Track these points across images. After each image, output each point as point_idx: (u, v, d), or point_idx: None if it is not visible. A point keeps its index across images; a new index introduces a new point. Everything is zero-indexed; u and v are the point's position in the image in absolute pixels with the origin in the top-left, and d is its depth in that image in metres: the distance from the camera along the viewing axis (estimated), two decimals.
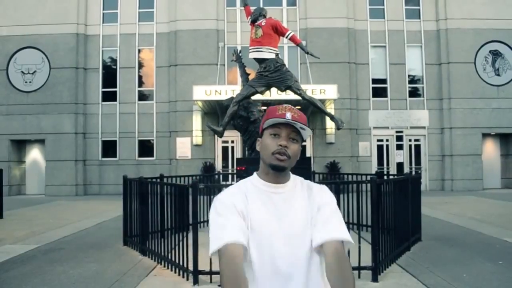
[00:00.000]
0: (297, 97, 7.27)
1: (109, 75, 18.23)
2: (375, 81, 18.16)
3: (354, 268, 5.16)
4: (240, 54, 8.26)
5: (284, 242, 1.58)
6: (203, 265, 5.06)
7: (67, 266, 5.95)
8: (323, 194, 1.69)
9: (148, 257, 6.33)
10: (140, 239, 6.76)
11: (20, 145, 18.24)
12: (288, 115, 1.60)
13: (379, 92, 18.09)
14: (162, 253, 5.90)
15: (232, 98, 7.59)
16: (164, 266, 5.83)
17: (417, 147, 18.15)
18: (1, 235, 8.20)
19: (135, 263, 6.13)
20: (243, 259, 1.48)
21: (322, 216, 1.61)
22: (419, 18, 18.22)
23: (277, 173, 1.64)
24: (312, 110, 15.44)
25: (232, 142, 17.29)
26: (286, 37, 6.86)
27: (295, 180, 1.72)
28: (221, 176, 14.22)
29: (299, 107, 16.06)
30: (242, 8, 8.88)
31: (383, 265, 5.43)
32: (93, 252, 6.84)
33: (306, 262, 1.59)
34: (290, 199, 1.64)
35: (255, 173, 1.71)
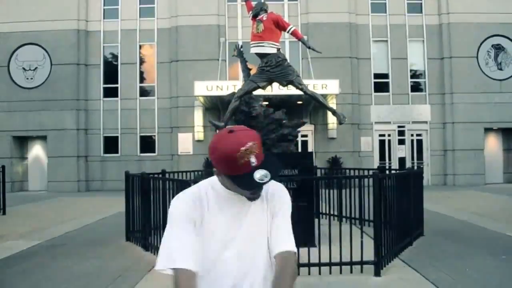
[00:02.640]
0: (299, 92, 7.24)
1: (110, 71, 18.20)
2: (377, 76, 18.10)
3: (356, 263, 5.15)
4: (242, 49, 8.23)
5: (243, 247, 1.56)
6: None
7: (69, 262, 5.96)
8: (277, 198, 1.62)
9: (151, 253, 6.34)
10: (142, 234, 6.77)
11: (22, 142, 18.26)
12: (257, 176, 1.39)
13: (381, 87, 18.03)
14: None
15: (233, 93, 7.56)
16: None
17: (419, 142, 18.12)
18: (4, 231, 8.22)
19: (137, 258, 6.14)
20: None
21: (273, 226, 1.58)
22: (421, 12, 18.14)
23: None
24: (314, 105, 15.42)
25: None
26: (288, 32, 6.83)
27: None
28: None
29: (300, 102, 16.10)
30: (243, 3, 8.84)
31: (385, 260, 5.43)
32: (96, 247, 6.85)
33: (261, 271, 1.58)
34: (249, 204, 1.57)
35: (215, 176, 1.59)
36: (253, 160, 1.40)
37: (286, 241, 1.57)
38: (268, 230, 1.59)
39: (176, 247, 1.48)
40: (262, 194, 1.58)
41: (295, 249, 1.59)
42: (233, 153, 1.39)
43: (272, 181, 1.55)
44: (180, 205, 1.55)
